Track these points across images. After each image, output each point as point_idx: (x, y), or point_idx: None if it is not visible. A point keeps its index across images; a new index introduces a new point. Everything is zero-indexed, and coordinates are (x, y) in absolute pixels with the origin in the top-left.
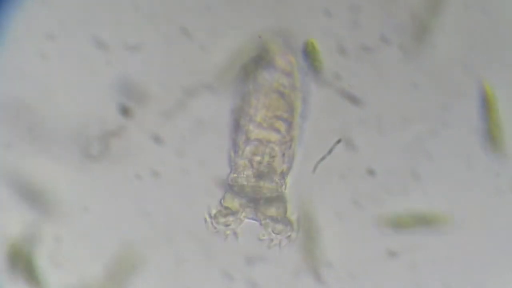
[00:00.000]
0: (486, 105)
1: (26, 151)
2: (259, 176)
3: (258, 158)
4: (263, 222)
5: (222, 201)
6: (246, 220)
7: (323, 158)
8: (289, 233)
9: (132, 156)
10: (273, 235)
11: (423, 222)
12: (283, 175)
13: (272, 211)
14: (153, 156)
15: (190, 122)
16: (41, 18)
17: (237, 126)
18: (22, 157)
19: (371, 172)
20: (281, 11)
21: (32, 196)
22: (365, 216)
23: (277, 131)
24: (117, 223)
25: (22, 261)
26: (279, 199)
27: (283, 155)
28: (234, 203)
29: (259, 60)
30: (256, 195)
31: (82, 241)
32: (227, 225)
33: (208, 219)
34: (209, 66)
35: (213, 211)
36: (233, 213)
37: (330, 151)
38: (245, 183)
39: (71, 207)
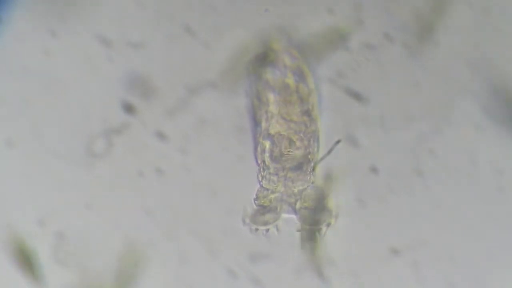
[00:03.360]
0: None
1: (29, 147)
2: (287, 169)
3: (281, 152)
4: (300, 214)
5: (256, 200)
6: (284, 215)
7: (322, 158)
8: (328, 221)
9: (135, 153)
10: (312, 226)
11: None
12: (311, 164)
13: (307, 201)
14: (157, 153)
15: (193, 120)
16: (44, 14)
17: (256, 125)
18: (25, 154)
19: (374, 170)
20: (285, 9)
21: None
22: (368, 214)
23: (296, 124)
24: (120, 220)
25: (24, 257)
26: (311, 189)
27: (308, 145)
28: (268, 200)
29: (264, 58)
30: (287, 188)
31: (85, 239)
32: (266, 223)
33: (246, 221)
34: (212, 64)
35: (249, 212)
36: (270, 210)
37: (329, 151)
38: (274, 178)
39: (74, 204)
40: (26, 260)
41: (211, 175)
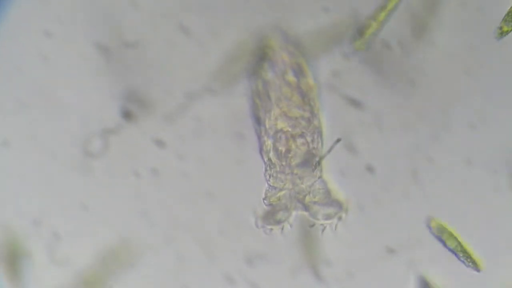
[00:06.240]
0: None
1: (24, 148)
2: (294, 166)
3: (285, 149)
4: (311, 210)
5: (265, 200)
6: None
7: (323, 158)
8: (339, 214)
9: (132, 154)
10: (324, 220)
11: None
12: (316, 159)
13: (317, 196)
14: (153, 155)
15: (191, 123)
16: (39, 15)
17: (259, 124)
18: (20, 154)
19: (371, 172)
20: (281, 7)
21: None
22: (364, 214)
23: (298, 120)
24: (116, 221)
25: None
26: (319, 183)
27: (312, 140)
28: (277, 198)
29: (262, 56)
30: (295, 185)
31: (80, 239)
32: (278, 222)
33: (259, 222)
34: (210, 68)
35: (261, 213)
36: (280, 208)
37: (330, 150)
38: (281, 176)
39: (70, 205)
40: (13, 261)
41: (208, 177)
